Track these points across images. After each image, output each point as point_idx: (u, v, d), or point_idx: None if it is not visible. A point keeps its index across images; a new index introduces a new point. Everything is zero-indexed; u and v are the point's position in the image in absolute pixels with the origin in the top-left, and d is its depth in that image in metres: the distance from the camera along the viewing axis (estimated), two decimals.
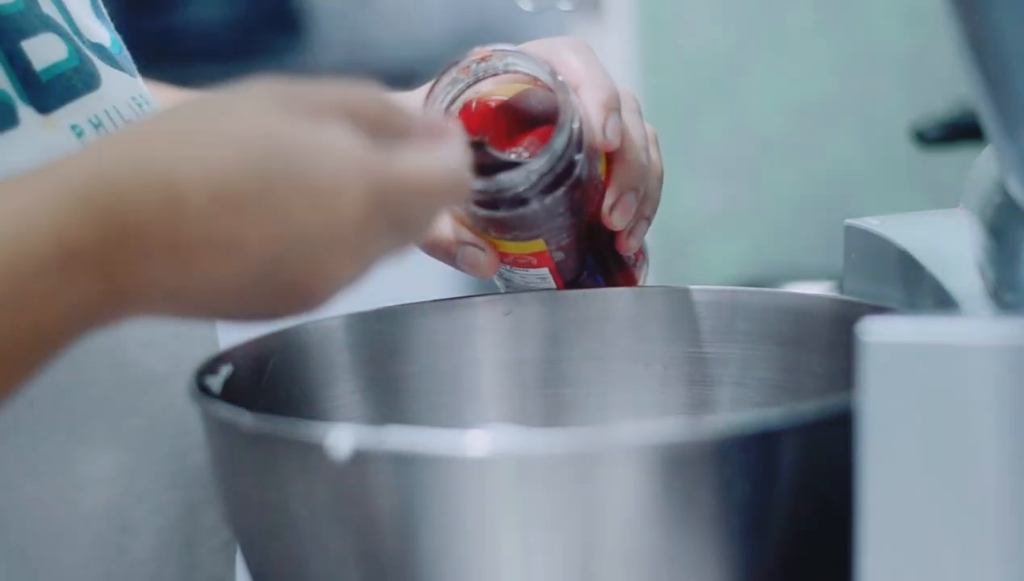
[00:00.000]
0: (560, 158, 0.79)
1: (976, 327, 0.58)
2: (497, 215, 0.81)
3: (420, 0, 3.04)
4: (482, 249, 0.84)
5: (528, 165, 0.79)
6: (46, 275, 0.62)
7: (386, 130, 0.66)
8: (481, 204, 0.81)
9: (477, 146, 0.80)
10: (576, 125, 0.80)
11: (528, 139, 0.81)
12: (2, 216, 0.62)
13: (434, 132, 0.67)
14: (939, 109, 2.06)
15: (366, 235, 0.64)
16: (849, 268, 0.88)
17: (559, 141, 0.79)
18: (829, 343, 0.79)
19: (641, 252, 0.89)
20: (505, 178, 0.79)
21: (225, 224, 0.62)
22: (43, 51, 0.80)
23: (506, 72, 0.83)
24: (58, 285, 0.62)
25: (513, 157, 0.80)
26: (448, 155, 0.66)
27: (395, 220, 0.65)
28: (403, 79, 1.01)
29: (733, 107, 2.31)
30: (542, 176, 0.79)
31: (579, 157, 0.80)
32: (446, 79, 0.82)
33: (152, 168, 0.62)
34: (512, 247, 0.83)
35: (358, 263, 0.65)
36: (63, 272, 0.62)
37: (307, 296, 0.65)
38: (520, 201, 0.80)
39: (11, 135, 0.77)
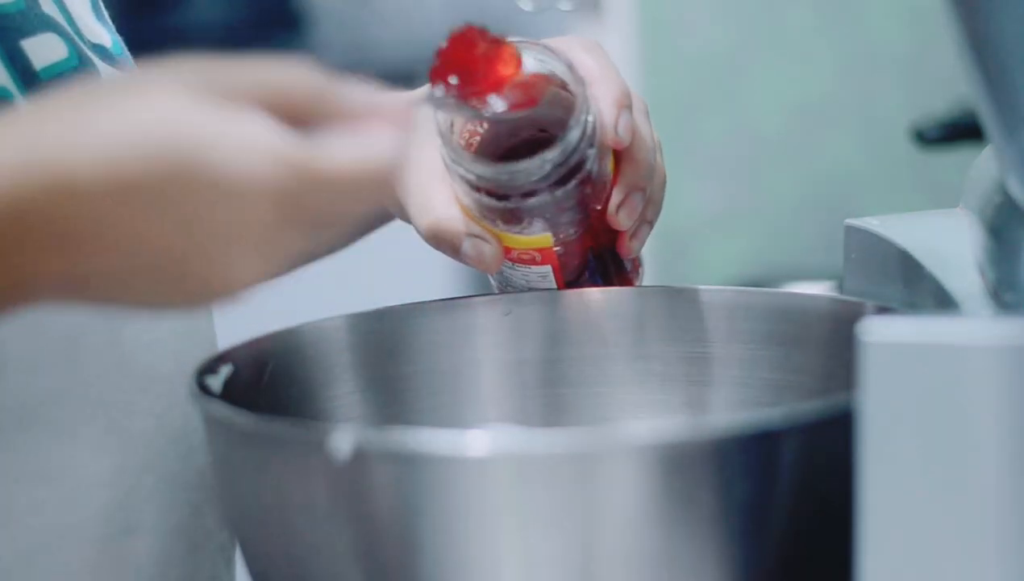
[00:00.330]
0: (574, 151, 0.79)
1: (976, 327, 0.58)
2: (508, 205, 0.81)
3: (420, 0, 3.04)
4: (488, 241, 0.83)
5: (542, 155, 0.79)
6: None
7: (316, 113, 0.62)
8: (491, 193, 0.81)
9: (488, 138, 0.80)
10: (591, 119, 0.80)
11: (508, 88, 0.79)
12: None
13: (378, 114, 0.62)
14: (939, 109, 2.06)
15: (276, 232, 0.60)
16: (849, 268, 0.88)
17: (574, 134, 0.79)
18: (829, 343, 0.79)
19: (638, 259, 0.89)
20: (518, 167, 0.79)
21: (119, 218, 0.59)
22: (43, 51, 0.80)
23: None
24: None
25: (486, 113, 0.78)
26: (377, 145, 0.61)
27: (310, 215, 0.61)
28: (403, 79, 1.01)
29: (733, 107, 2.31)
30: (556, 167, 0.79)
31: (591, 152, 0.80)
32: None
33: (42, 156, 0.59)
34: (518, 241, 0.83)
35: (267, 261, 0.61)
36: None
37: (209, 293, 0.61)
38: (531, 192, 0.80)
39: None
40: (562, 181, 0.80)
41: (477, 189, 0.80)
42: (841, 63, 2.31)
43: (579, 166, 0.80)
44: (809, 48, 2.30)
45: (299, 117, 0.61)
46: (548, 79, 0.81)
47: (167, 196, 0.59)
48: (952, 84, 2.10)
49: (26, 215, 0.58)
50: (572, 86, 0.80)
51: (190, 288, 0.61)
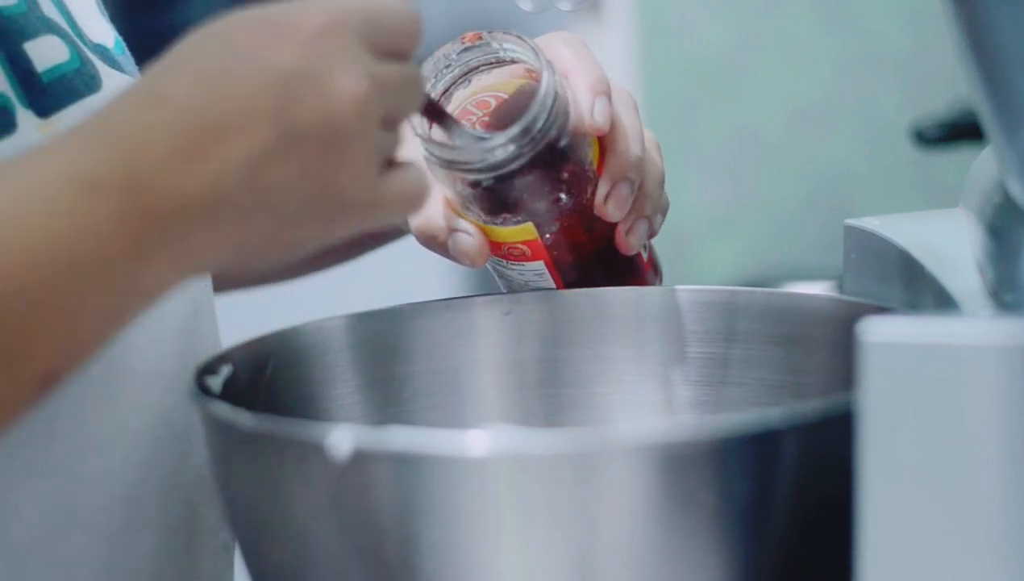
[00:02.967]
0: (537, 126, 0.79)
1: (976, 327, 0.58)
2: (482, 190, 0.81)
3: (420, 0, 3.04)
4: (471, 234, 0.83)
5: (506, 132, 0.79)
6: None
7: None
8: (465, 177, 0.81)
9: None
10: (551, 99, 0.80)
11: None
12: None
13: None
14: (939, 109, 2.07)
15: (351, 57, 0.67)
16: (849, 268, 0.88)
17: (533, 109, 0.79)
18: (829, 343, 0.79)
19: (652, 263, 0.89)
20: (481, 143, 0.80)
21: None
22: (45, 53, 0.80)
23: (497, 58, 0.84)
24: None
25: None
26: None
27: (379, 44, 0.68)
28: None
29: (733, 107, 2.31)
30: (520, 145, 0.79)
31: (561, 135, 0.80)
32: (436, 57, 0.83)
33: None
34: (502, 234, 0.83)
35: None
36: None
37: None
38: (503, 176, 0.80)
39: (8, 142, 0.76)
40: (531, 166, 0.80)
41: (449, 166, 0.81)
42: (841, 63, 2.31)
43: (549, 148, 0.80)
44: (809, 48, 2.31)
45: None
46: (528, 71, 0.82)
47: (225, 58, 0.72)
48: (952, 84, 2.11)
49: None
50: (538, 69, 0.81)
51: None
